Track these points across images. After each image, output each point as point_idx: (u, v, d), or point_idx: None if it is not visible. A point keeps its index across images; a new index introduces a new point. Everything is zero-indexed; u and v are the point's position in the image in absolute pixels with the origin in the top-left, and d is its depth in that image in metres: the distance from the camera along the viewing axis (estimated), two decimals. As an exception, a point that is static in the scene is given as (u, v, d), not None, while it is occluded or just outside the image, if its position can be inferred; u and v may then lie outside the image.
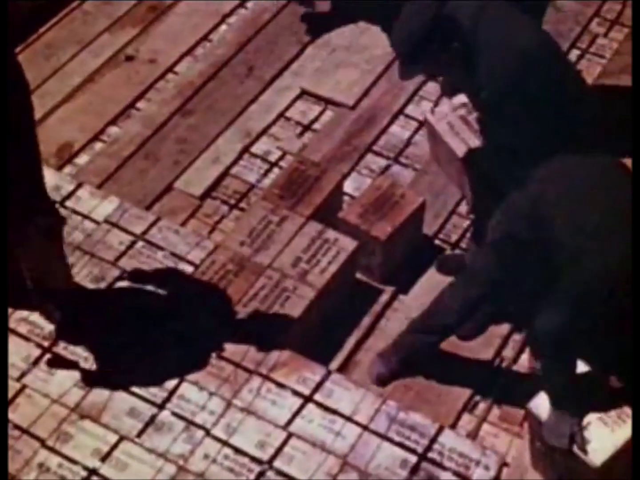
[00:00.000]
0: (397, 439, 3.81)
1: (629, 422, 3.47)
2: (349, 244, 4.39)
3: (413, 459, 3.76)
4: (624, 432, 3.45)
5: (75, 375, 3.95)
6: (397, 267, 4.58)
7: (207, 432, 3.82)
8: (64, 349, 4.02)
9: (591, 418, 3.52)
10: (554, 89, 3.72)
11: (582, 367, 3.60)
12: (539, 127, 3.73)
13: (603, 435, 3.46)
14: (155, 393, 3.91)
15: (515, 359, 4.33)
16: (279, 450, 3.78)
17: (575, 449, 3.48)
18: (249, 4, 5.93)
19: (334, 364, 4.22)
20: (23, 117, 3.50)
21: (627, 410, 3.51)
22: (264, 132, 5.27)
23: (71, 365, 3.97)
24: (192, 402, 3.90)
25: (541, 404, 3.63)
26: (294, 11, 5.83)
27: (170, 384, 3.94)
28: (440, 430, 3.85)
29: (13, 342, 4.01)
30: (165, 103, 5.37)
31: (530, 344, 4.10)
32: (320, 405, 3.89)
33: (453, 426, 4.07)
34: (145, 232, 4.45)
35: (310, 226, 4.46)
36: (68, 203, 4.54)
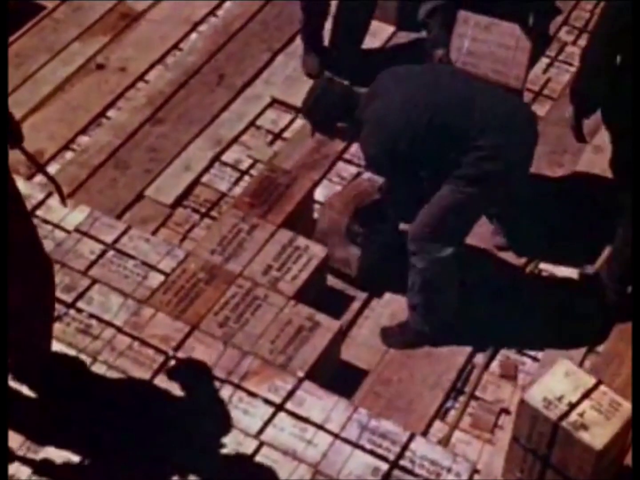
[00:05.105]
0: (368, 446, 3.81)
1: (621, 409, 3.57)
2: (319, 251, 4.41)
3: (384, 466, 3.76)
4: (618, 418, 3.57)
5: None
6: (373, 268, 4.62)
7: (179, 442, 3.83)
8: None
9: (585, 407, 3.57)
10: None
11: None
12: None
13: (600, 422, 3.53)
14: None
15: (486, 366, 4.37)
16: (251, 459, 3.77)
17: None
18: (220, 12, 5.94)
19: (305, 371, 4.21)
20: None
21: (618, 399, 3.59)
22: (234, 140, 5.28)
23: None
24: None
25: (536, 395, 3.63)
26: (264, 19, 5.85)
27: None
28: (411, 437, 3.85)
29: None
30: (136, 111, 5.36)
31: None
32: (291, 413, 3.89)
33: (424, 433, 4.09)
34: (116, 241, 4.43)
35: (281, 234, 4.46)
36: (38, 212, 4.52)
